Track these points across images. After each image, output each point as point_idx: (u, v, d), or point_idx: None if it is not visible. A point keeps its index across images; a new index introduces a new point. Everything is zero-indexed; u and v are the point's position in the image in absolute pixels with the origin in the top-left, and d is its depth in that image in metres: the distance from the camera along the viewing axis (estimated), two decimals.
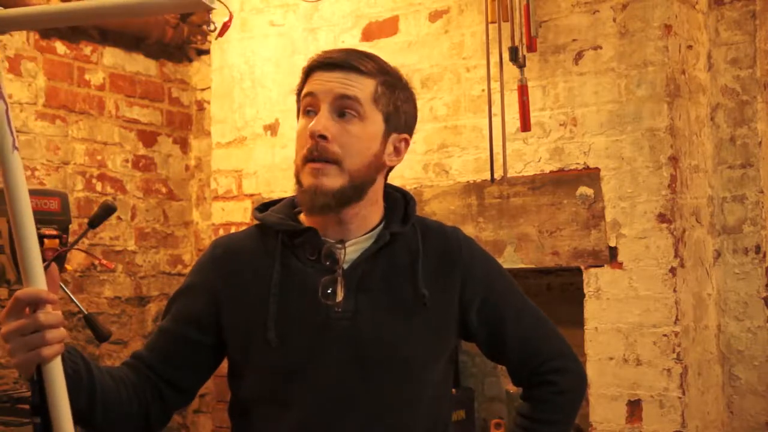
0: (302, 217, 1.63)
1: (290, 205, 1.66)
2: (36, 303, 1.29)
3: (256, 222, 1.66)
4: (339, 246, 1.57)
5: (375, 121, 1.57)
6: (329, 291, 1.55)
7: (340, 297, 1.54)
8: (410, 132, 1.65)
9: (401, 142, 1.62)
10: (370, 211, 1.60)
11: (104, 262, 3.00)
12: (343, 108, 1.54)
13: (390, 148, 1.61)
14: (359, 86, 1.55)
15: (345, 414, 1.53)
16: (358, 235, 1.59)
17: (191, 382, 1.64)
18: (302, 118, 1.57)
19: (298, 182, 1.55)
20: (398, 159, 1.63)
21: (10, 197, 1.27)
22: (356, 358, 1.53)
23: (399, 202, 1.66)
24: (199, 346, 1.61)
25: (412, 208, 1.66)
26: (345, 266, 1.57)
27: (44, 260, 3.05)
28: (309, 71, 1.58)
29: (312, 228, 1.58)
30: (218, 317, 1.59)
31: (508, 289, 1.69)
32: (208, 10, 1.20)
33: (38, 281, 1.29)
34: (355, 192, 1.56)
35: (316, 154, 1.52)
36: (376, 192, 1.62)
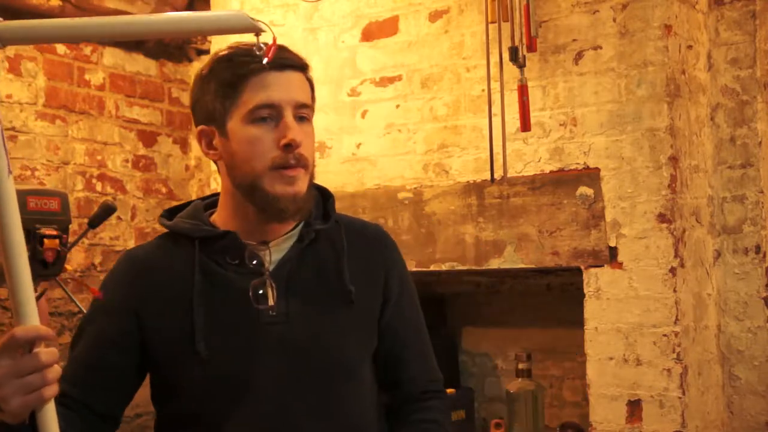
0: (214, 220, 1.58)
1: (201, 210, 1.60)
2: (35, 341, 1.21)
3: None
4: (263, 247, 1.53)
5: (312, 118, 1.57)
6: (260, 293, 1.50)
7: (272, 300, 1.50)
8: None
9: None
10: None
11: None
12: (302, 113, 1.52)
13: None
14: (308, 89, 1.54)
15: (287, 422, 1.48)
16: (279, 235, 1.55)
17: (118, 407, 1.57)
18: (255, 126, 1.49)
19: (259, 188, 1.49)
20: None
21: (2, 225, 1.19)
22: (294, 363, 1.49)
23: (317, 198, 1.60)
24: (122, 370, 1.54)
25: (332, 204, 1.62)
26: (271, 268, 1.52)
27: (44, 262, 3.04)
28: (254, 72, 1.48)
29: (231, 231, 1.52)
30: (140, 335, 1.52)
31: (414, 297, 1.69)
32: (257, 32, 1.16)
33: (33, 317, 1.20)
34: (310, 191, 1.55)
35: (294, 162, 1.49)
36: None
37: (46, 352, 1.21)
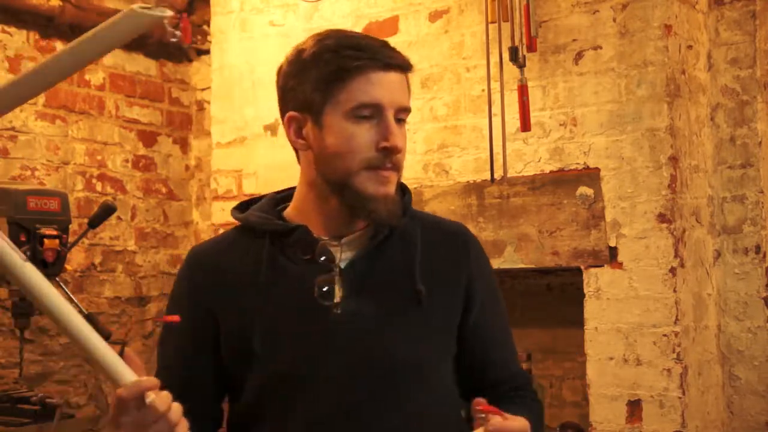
0: (288, 213, 1.55)
1: (274, 204, 1.58)
2: (143, 395, 1.22)
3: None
4: (335, 243, 1.50)
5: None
6: (325, 290, 1.46)
7: (338, 297, 1.46)
8: None
9: None
10: None
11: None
12: (401, 116, 1.50)
13: None
14: (408, 91, 1.51)
15: (348, 423, 1.44)
16: (352, 231, 1.51)
17: (214, 404, 1.56)
18: (355, 124, 1.46)
19: (350, 186, 1.47)
20: None
21: (49, 309, 1.18)
22: (358, 363, 1.45)
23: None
24: (215, 369, 1.52)
25: (408, 199, 1.57)
26: (342, 264, 1.48)
27: (44, 263, 3.03)
28: (361, 68, 1.45)
29: (301, 225, 1.49)
30: (216, 331, 1.50)
31: (500, 300, 1.65)
32: (160, 21, 1.10)
33: (126, 373, 1.22)
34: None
35: (389, 165, 1.48)
36: None
37: (160, 400, 1.22)
